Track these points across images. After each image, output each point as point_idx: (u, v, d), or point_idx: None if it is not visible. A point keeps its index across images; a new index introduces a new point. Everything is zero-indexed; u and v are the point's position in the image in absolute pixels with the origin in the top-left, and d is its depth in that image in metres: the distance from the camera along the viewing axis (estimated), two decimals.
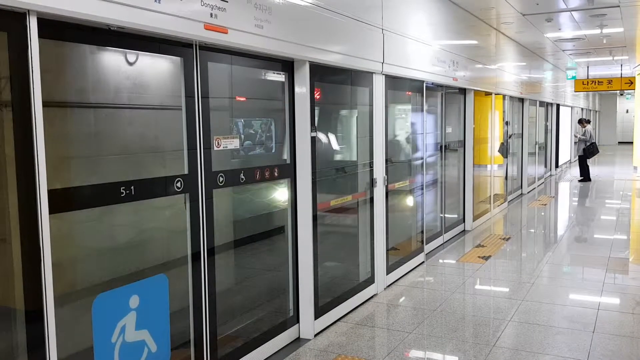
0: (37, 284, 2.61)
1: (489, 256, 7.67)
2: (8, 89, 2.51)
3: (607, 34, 11.80)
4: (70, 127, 3.15)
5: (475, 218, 9.76)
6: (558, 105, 19.19)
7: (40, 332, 2.64)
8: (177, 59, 3.54)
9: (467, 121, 9.47)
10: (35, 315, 2.62)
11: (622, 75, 19.03)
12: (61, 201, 2.81)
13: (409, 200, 7.14)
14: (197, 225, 3.68)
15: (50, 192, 2.68)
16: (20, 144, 2.54)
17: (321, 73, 4.95)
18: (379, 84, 5.94)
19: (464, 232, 9.41)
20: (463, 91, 9.36)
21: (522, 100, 13.60)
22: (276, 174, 4.57)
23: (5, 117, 2.54)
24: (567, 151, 22.01)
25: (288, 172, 4.72)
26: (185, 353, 3.71)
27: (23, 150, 2.55)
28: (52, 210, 2.68)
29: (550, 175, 18.30)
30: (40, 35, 2.59)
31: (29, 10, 2.53)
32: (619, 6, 9.23)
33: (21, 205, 2.55)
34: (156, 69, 3.59)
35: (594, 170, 17.83)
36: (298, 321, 4.89)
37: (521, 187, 13.97)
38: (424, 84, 7.23)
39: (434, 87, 8.02)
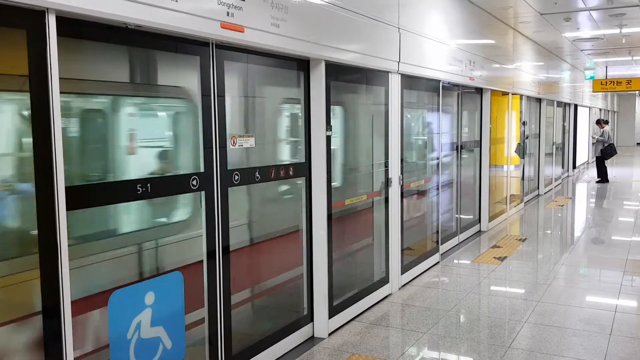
0: (55, 280, 2.64)
1: (505, 257, 7.61)
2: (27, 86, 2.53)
3: (626, 33, 11.67)
4: None
5: (491, 219, 9.69)
6: (576, 106, 19.01)
7: (57, 327, 2.66)
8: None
9: (483, 121, 9.41)
10: (52, 311, 2.65)
11: None
12: (78, 198, 2.83)
13: (424, 200, 7.11)
14: (213, 223, 3.69)
15: (68, 189, 2.70)
16: (38, 140, 2.56)
17: (337, 72, 4.94)
18: (394, 83, 5.92)
19: (479, 232, 9.35)
20: (480, 91, 9.29)
21: (539, 100, 13.49)
22: (291, 173, 4.57)
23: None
24: (584, 152, 21.79)
25: (303, 170, 4.72)
26: (200, 350, 3.73)
27: (41, 146, 2.57)
28: (69, 207, 2.71)
29: (568, 176, 18.13)
30: (58, 34, 2.61)
31: (47, 9, 2.55)
32: (638, 5, 9.11)
33: (39, 202, 2.57)
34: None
35: (611, 171, 17.61)
36: (312, 320, 4.89)
37: (538, 188, 13.86)
38: (441, 84, 7.20)
39: (450, 87, 7.97)
